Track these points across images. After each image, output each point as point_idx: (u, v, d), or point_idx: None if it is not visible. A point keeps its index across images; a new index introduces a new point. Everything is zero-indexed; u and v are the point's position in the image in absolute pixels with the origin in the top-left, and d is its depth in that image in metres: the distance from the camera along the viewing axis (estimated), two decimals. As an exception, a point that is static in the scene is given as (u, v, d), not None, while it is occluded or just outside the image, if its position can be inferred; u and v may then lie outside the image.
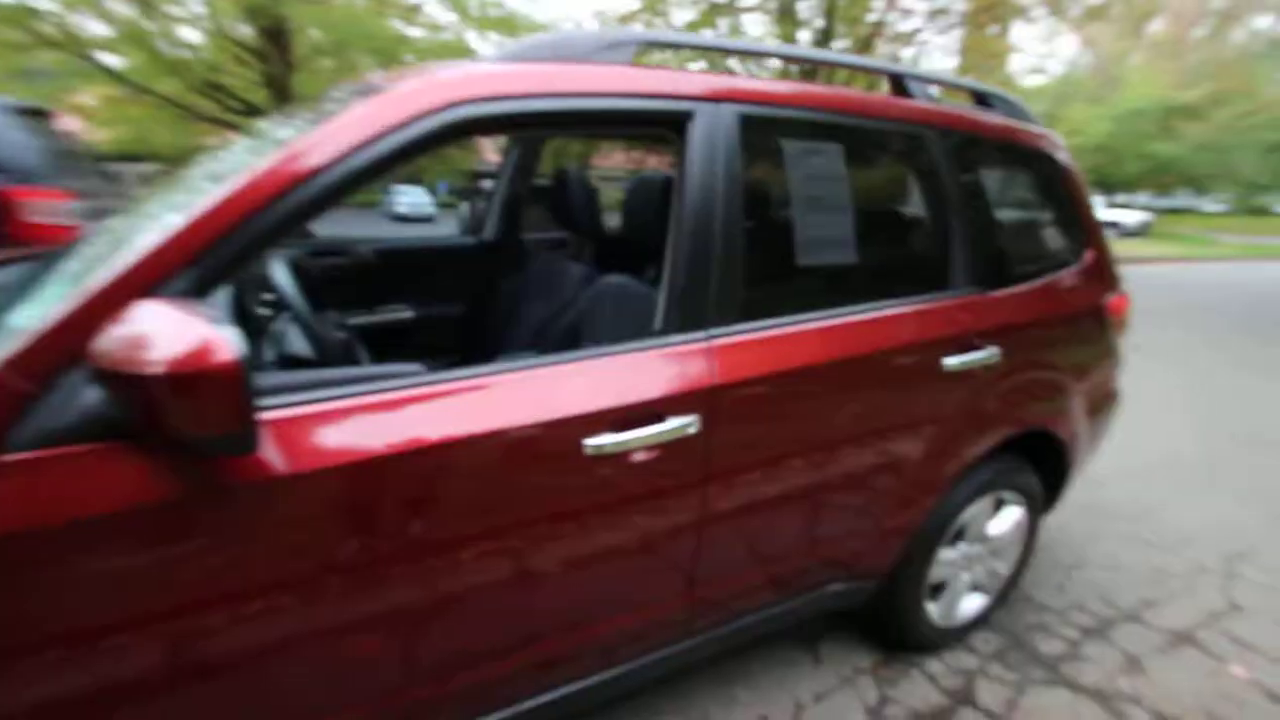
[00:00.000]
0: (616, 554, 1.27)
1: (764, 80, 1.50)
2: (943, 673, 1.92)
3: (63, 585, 0.82)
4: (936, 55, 12.39)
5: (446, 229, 15.82)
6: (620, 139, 3.32)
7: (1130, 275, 2.21)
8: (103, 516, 0.82)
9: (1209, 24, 28.97)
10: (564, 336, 1.88)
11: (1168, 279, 11.96)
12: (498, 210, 2.55)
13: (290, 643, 0.99)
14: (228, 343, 0.76)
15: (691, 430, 1.23)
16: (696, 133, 1.29)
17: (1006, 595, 2.15)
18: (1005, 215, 1.91)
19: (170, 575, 0.88)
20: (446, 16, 10.02)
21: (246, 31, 9.30)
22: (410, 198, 20.87)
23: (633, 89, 1.25)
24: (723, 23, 11.53)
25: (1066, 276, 1.99)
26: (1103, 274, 2.10)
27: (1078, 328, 2.01)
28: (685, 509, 1.30)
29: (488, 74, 1.13)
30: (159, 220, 0.98)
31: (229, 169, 1.09)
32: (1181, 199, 34.13)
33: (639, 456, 1.19)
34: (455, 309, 2.45)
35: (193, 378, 0.74)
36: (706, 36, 1.64)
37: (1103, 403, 2.16)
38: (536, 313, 2.06)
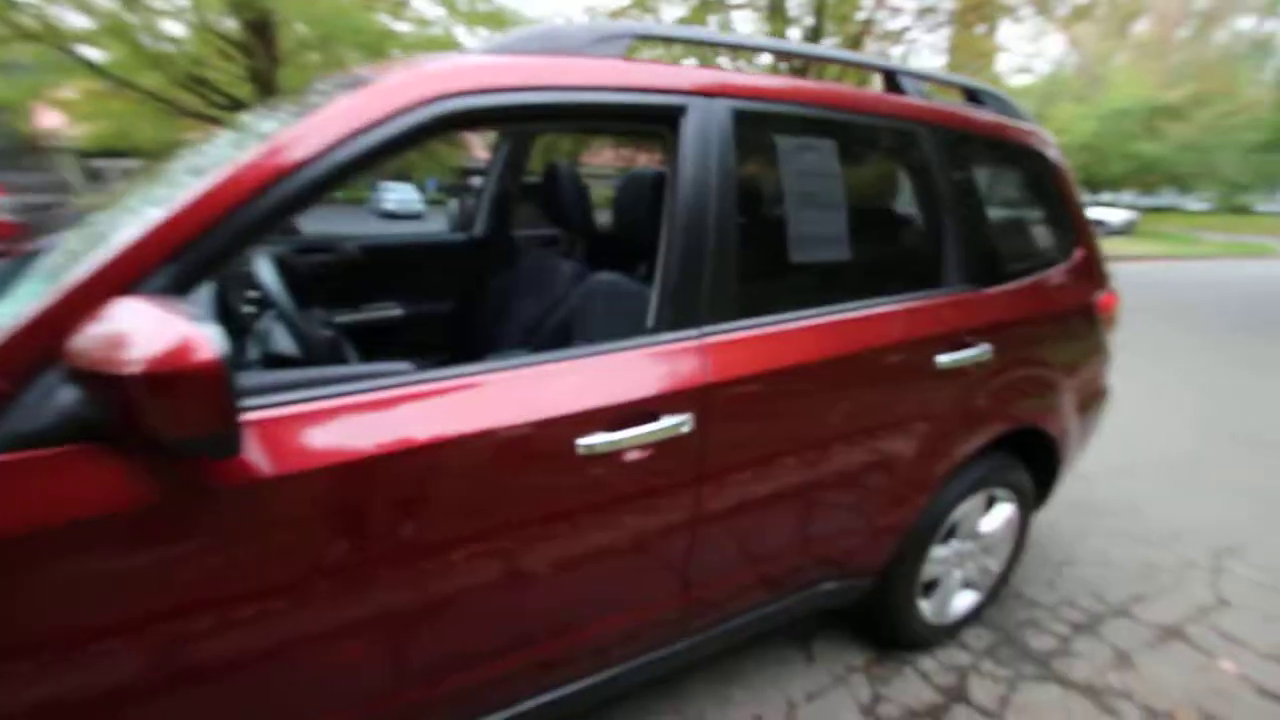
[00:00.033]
0: (610, 554, 1.25)
1: (757, 75, 1.49)
2: (935, 670, 1.92)
3: (38, 592, 0.79)
4: (925, 54, 12.47)
5: (435, 226, 15.77)
6: (611, 135, 3.31)
7: (1116, 273, 2.22)
8: (80, 522, 0.79)
9: (1192, 25, 29.31)
10: (555, 334, 1.86)
11: (1152, 277, 12.09)
12: (487, 207, 2.53)
13: (277, 649, 0.97)
14: (208, 341, 0.73)
15: (685, 429, 1.22)
16: (689, 128, 1.27)
17: (998, 592, 2.15)
18: (996, 212, 1.91)
19: (151, 582, 0.85)
20: (435, 11, 9.94)
21: (231, 25, 9.17)
22: (398, 194, 20.67)
23: (625, 83, 1.23)
24: (712, 20, 11.53)
25: (1056, 274, 1.99)
26: (1092, 271, 2.10)
27: (1068, 325, 2.02)
28: (679, 509, 1.29)
29: (477, 66, 1.11)
30: (138, 214, 0.95)
31: (211, 162, 1.06)
32: (1165, 198, 34.51)
33: (632, 456, 1.18)
34: (444, 307, 2.42)
35: (172, 377, 0.72)
36: (700, 30, 1.62)
37: (1092, 400, 2.17)
38: (527, 310, 2.04)
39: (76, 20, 8.26)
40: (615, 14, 11.28)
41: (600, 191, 2.62)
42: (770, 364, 1.34)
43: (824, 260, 1.51)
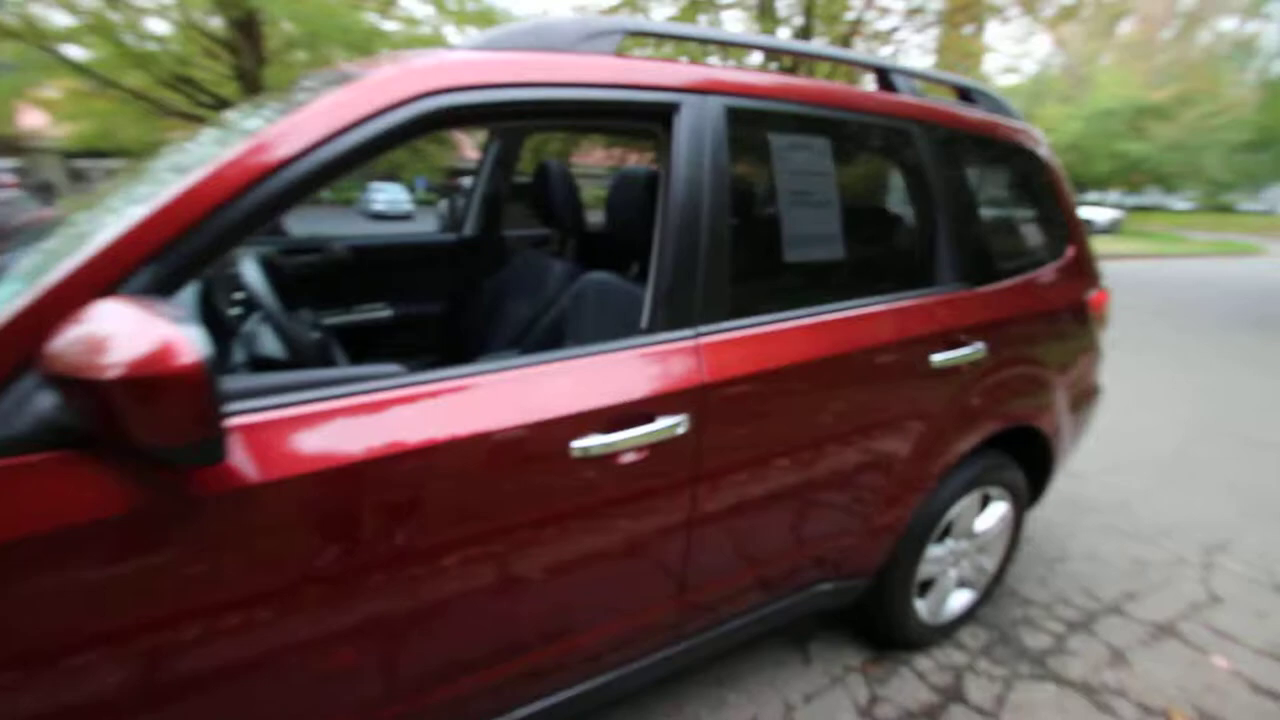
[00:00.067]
0: (605, 558, 1.23)
1: (751, 72, 1.47)
2: (932, 669, 1.91)
3: (15, 605, 0.76)
4: (913, 54, 12.49)
5: (425, 226, 15.67)
6: (601, 134, 3.29)
7: (1105, 272, 2.23)
8: (58, 531, 0.76)
9: (1177, 26, 29.61)
10: (547, 335, 1.84)
11: (1140, 276, 12.20)
12: (477, 206, 2.50)
13: (263, 659, 0.94)
14: (191, 344, 0.70)
15: (681, 430, 1.20)
16: (682, 125, 1.25)
17: (992, 591, 2.15)
18: (989, 211, 1.91)
19: (133, 594, 0.83)
20: (423, 10, 9.89)
21: (217, 23, 9.08)
22: (387, 195, 20.54)
23: (617, 80, 1.21)
24: (702, 19, 11.54)
25: (1049, 272, 2.00)
26: (1084, 269, 2.11)
27: (1060, 323, 2.02)
28: (674, 510, 1.27)
29: (465, 62, 1.09)
30: (120, 213, 0.92)
31: (195, 160, 1.03)
32: (1151, 197, 34.86)
33: (627, 458, 1.16)
34: (435, 308, 2.39)
35: (153, 382, 0.69)
36: (692, 27, 1.61)
37: (1085, 397, 2.17)
38: (519, 311, 2.02)
39: (59, 18, 8.16)
40: (605, 13, 11.27)
41: (591, 191, 2.60)
42: (766, 364, 1.33)
43: (818, 259, 1.50)
